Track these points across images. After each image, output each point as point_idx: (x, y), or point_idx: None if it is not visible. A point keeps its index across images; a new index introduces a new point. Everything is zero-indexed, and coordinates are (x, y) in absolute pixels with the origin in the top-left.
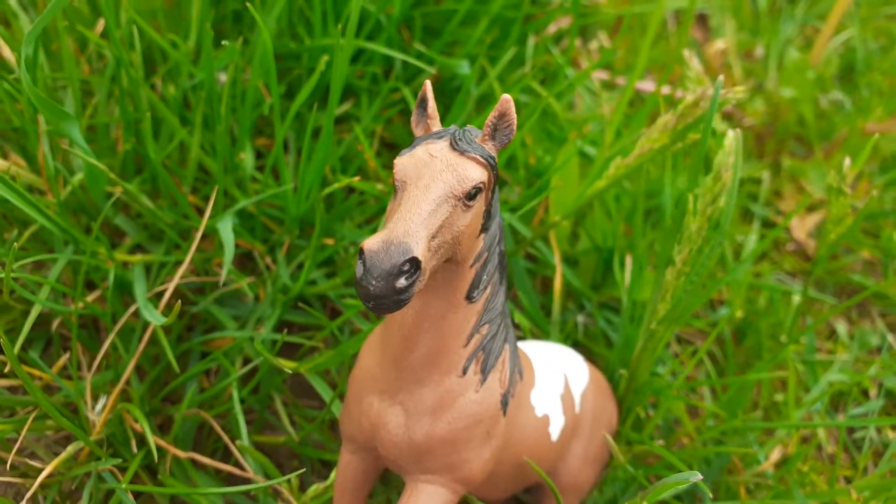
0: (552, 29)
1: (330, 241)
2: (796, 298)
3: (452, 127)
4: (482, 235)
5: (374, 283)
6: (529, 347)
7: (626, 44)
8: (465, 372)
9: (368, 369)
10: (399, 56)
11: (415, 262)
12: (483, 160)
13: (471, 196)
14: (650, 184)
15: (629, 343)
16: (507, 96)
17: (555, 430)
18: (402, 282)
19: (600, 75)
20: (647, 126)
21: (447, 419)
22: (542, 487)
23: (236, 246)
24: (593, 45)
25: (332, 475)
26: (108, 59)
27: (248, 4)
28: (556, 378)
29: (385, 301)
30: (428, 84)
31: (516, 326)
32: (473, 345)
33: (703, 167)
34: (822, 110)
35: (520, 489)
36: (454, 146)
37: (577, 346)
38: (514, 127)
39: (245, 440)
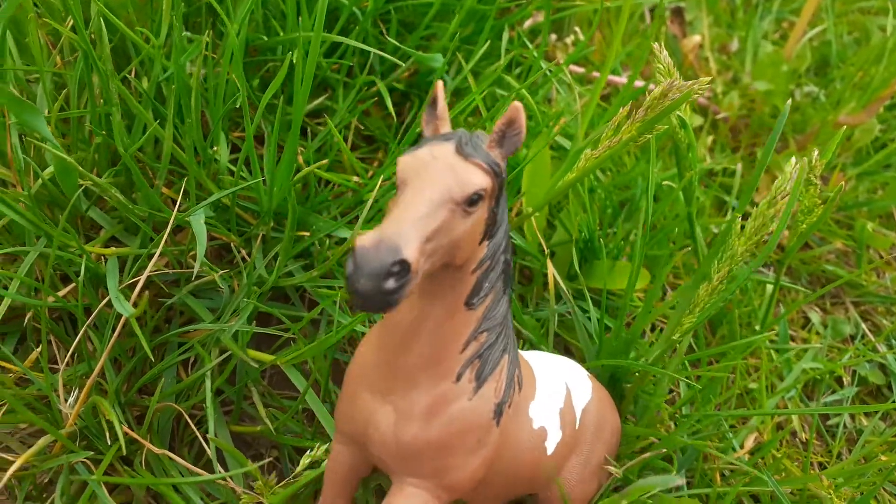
0: (528, 23)
1: (305, 234)
2: (769, 288)
3: (461, 130)
4: (486, 243)
5: (362, 281)
6: (534, 358)
7: (603, 39)
8: (459, 378)
9: (365, 365)
10: (371, 50)
11: (405, 265)
12: (487, 167)
13: (471, 202)
14: (623, 176)
15: (615, 337)
16: (517, 103)
17: (550, 444)
18: (390, 283)
19: (576, 69)
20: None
21: (438, 424)
22: (535, 498)
23: (213, 238)
24: (569, 39)
25: (301, 467)
26: (80, 53)
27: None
28: (558, 392)
29: (373, 300)
30: (440, 84)
31: (518, 335)
32: (470, 352)
33: (675, 159)
34: (796, 103)
35: (511, 499)
36: (459, 150)
37: (548, 335)
38: (523, 135)
39: (212, 432)
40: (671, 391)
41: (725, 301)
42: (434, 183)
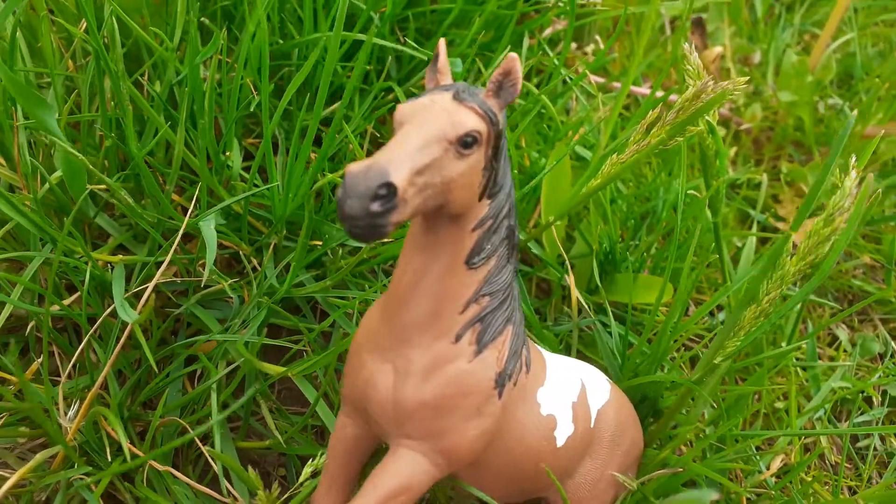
0: (548, 32)
1: (318, 243)
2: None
3: (461, 82)
4: (486, 201)
5: (349, 202)
6: (551, 356)
7: (623, 49)
8: (458, 339)
9: (368, 329)
10: (389, 45)
11: (392, 188)
12: (482, 111)
13: (465, 144)
14: (645, 187)
15: (638, 353)
16: (513, 54)
17: (561, 436)
18: (376, 206)
19: (596, 79)
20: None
21: (434, 384)
22: (545, 501)
23: (223, 247)
24: (589, 48)
25: (304, 476)
26: (91, 56)
27: None
28: (572, 385)
29: (360, 223)
30: (442, 42)
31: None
32: (470, 314)
33: (704, 168)
34: (820, 115)
35: (520, 496)
36: (456, 96)
37: (570, 350)
38: (519, 85)
39: (218, 447)
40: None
41: (774, 325)
42: (428, 122)
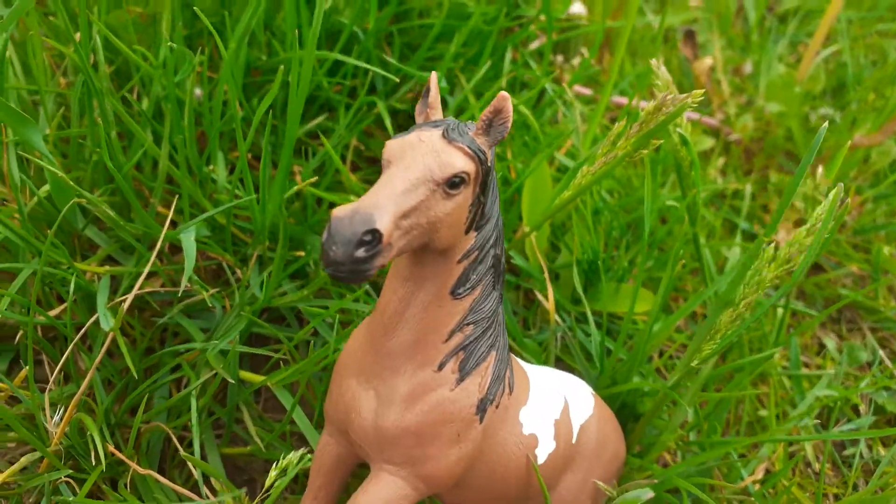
0: (535, 45)
1: (301, 254)
2: (781, 312)
3: (450, 118)
4: (473, 233)
5: (334, 248)
6: (535, 370)
7: (612, 61)
8: (441, 367)
9: (352, 352)
10: (368, 67)
11: (377, 234)
12: (471, 151)
13: (452, 185)
14: (630, 197)
15: (615, 359)
16: (504, 93)
17: (542, 454)
18: (361, 252)
19: (584, 91)
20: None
21: (416, 412)
22: None
23: (208, 258)
24: (576, 61)
25: (270, 480)
26: (80, 74)
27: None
28: (554, 402)
29: (343, 268)
30: (434, 75)
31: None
32: (454, 343)
33: (677, 174)
34: (811, 126)
35: None
36: (445, 135)
37: (556, 361)
38: (509, 124)
39: (197, 452)
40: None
41: (748, 329)
42: (415, 163)
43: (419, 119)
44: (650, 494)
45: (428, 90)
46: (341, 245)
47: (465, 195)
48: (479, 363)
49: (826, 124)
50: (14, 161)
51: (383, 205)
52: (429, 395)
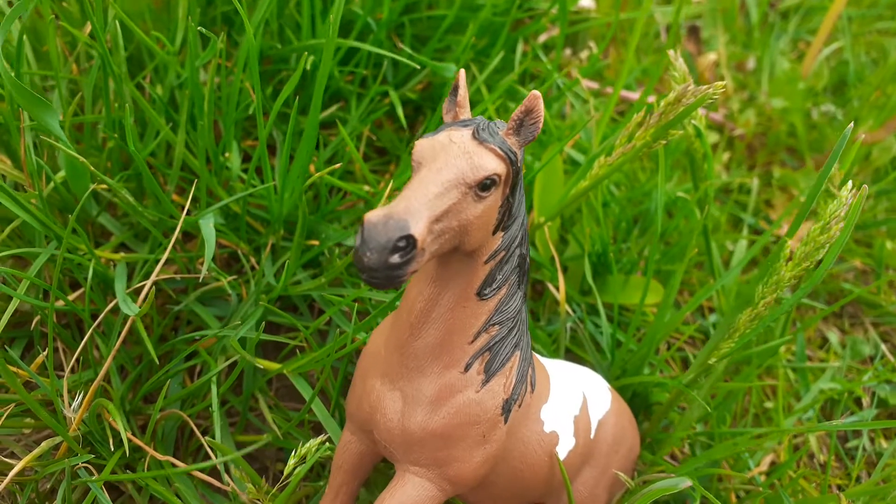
0: (544, 37)
1: (315, 243)
2: None
3: (480, 117)
4: (500, 234)
5: (368, 254)
6: (553, 365)
7: (619, 55)
8: (467, 369)
9: (376, 351)
10: (385, 53)
11: (411, 240)
12: (502, 153)
13: (484, 187)
14: (637, 190)
15: (625, 351)
16: (535, 92)
17: (562, 451)
18: (395, 258)
19: (591, 85)
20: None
21: (442, 413)
22: None
23: (222, 246)
24: (584, 54)
25: (289, 469)
26: (95, 59)
27: (236, 4)
28: (574, 399)
29: (378, 274)
30: (462, 72)
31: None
32: (480, 343)
33: (690, 167)
34: (813, 122)
35: None
36: (475, 136)
37: (566, 352)
38: (541, 124)
39: (218, 438)
40: (682, 408)
41: (767, 328)
42: (447, 165)
43: (447, 118)
44: (687, 483)
45: (456, 88)
46: (375, 251)
47: (495, 197)
48: (504, 364)
49: (852, 125)
50: (31, 145)
51: (417, 209)
52: (455, 397)
